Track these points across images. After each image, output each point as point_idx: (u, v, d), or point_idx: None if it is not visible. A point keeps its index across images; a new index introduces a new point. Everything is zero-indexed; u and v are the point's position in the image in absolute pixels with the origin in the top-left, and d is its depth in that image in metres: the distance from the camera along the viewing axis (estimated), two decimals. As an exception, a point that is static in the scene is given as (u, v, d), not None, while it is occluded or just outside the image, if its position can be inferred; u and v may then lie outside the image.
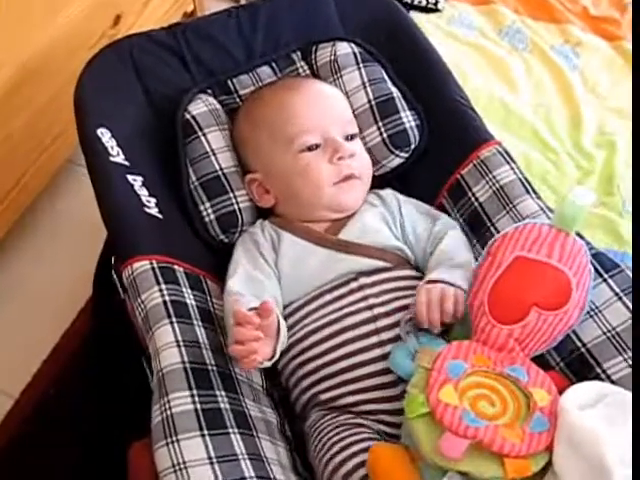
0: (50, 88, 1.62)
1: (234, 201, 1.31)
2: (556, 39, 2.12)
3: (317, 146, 1.26)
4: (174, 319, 1.11)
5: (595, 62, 2.05)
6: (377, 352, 1.14)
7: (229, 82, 1.41)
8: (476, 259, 1.20)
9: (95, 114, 1.30)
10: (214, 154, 1.32)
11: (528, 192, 1.26)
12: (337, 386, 1.16)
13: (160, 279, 1.15)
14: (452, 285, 1.13)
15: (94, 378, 1.47)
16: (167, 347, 1.08)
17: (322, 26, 1.48)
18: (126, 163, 1.26)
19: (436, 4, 2.17)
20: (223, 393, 1.07)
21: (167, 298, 1.13)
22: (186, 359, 1.07)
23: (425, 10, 2.16)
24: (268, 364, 1.14)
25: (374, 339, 1.16)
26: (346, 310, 1.19)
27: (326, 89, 1.36)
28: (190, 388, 1.03)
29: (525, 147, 1.79)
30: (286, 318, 1.21)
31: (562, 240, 1.09)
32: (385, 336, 1.15)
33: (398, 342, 1.13)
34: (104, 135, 1.27)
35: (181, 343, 1.08)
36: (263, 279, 1.21)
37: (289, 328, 1.20)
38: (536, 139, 1.86)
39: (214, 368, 1.09)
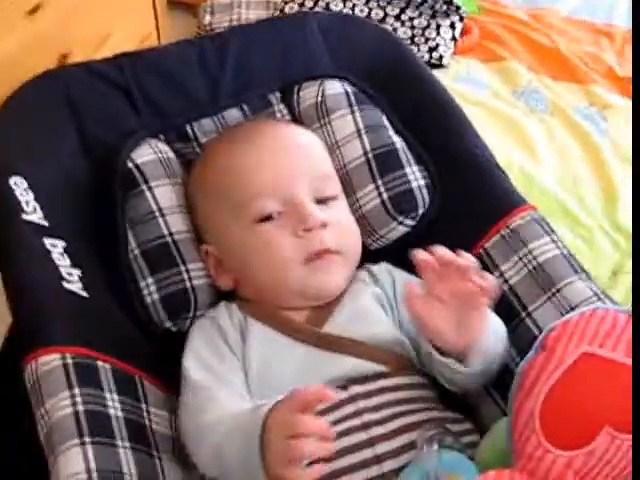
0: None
1: (186, 276, 1.09)
2: (580, 101, 1.97)
3: (279, 213, 1.05)
4: (87, 438, 0.89)
5: (625, 126, 1.88)
6: None
7: (187, 127, 1.21)
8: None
9: (9, 158, 1.11)
10: (162, 214, 1.11)
11: (576, 272, 1.06)
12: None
13: (73, 380, 0.93)
14: None
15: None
16: None
17: (307, 62, 1.28)
18: (44, 223, 1.06)
19: (440, 59, 2.00)
20: None
21: (80, 407, 0.91)
22: None
23: (428, 66, 1.94)
24: None
25: (374, 470, 0.92)
26: (334, 429, 0.93)
27: (291, 134, 1.14)
28: None
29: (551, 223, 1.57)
30: None
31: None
32: (388, 466, 0.92)
33: (411, 462, 0.91)
34: (18, 186, 1.07)
35: (94, 475, 0.86)
36: (233, 380, 1.00)
37: None
38: (563, 214, 1.69)
39: None
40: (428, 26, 2.00)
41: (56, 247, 1.03)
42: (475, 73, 2.00)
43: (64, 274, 1.02)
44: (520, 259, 1.07)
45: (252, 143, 1.09)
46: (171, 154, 1.17)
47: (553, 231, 1.10)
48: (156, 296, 1.08)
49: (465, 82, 1.95)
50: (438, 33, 2.00)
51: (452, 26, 2.01)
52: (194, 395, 0.97)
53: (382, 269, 1.12)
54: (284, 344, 1.02)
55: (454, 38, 1.99)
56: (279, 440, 0.82)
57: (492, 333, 0.96)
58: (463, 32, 2.02)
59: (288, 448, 0.81)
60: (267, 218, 1.05)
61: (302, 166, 1.08)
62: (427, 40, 1.97)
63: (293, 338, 1.03)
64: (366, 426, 0.94)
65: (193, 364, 1.00)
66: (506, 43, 2.05)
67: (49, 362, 0.92)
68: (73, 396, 0.90)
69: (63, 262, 1.03)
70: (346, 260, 1.08)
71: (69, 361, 0.93)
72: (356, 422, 0.94)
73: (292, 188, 1.05)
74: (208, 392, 0.96)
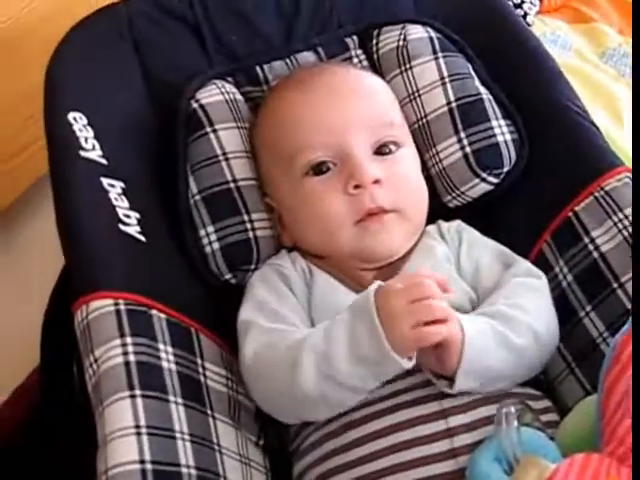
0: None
1: (249, 226, 1.03)
2: (673, 66, 1.82)
3: (328, 167, 0.98)
4: (138, 391, 0.83)
5: None
6: (448, 466, 0.85)
7: (258, 69, 1.15)
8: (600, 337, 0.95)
9: (70, 93, 1.06)
10: (227, 159, 1.05)
11: (677, 240, 0.96)
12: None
13: (126, 328, 0.87)
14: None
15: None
16: (120, 435, 0.80)
17: (388, 5, 1.20)
18: (103, 162, 1.01)
19: (525, 17, 1.89)
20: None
21: (132, 358, 0.85)
22: (148, 457, 0.79)
23: (512, 24, 1.89)
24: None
25: (445, 444, 0.85)
26: (403, 398, 0.87)
27: (351, 78, 1.06)
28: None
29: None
30: None
31: None
32: (461, 441, 0.85)
33: (487, 438, 0.84)
34: (77, 122, 1.02)
35: (143, 430, 0.80)
36: (299, 325, 0.93)
37: (320, 426, 0.91)
38: (652, 183, 1.55)
39: (193, 473, 0.82)
40: (513, -18, 1.90)
41: (114, 187, 0.98)
42: (561, 34, 1.90)
43: (121, 216, 0.97)
44: (615, 224, 0.99)
45: (307, 89, 1.02)
46: (239, 96, 1.11)
47: (652, 195, 1.00)
48: (216, 245, 1.02)
49: (550, 43, 1.85)
50: (524, -10, 1.90)
51: (538, -16, 1.90)
52: (263, 336, 0.90)
53: (453, 227, 1.04)
54: (351, 299, 0.94)
55: (540, -4, 1.89)
56: (402, 305, 0.81)
57: (477, 352, 0.85)
58: (549, -10, 1.93)
59: (413, 309, 0.80)
60: (319, 171, 0.98)
61: (360, 114, 1.00)
62: (512, -4, 1.87)
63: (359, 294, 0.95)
64: (439, 396, 0.87)
65: (253, 313, 0.94)
66: (595, 4, 1.95)
67: (101, 307, 0.88)
68: (125, 345, 0.85)
69: (121, 203, 0.98)
70: (405, 218, 1.00)
71: (122, 307, 0.88)
72: (428, 391, 0.87)
73: (346, 138, 0.98)
74: (279, 333, 0.90)
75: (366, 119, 1.00)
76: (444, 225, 1.04)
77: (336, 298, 0.94)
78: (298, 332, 0.88)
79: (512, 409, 0.83)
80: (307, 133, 0.98)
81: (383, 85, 1.09)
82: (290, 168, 0.99)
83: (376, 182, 0.96)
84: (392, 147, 1.00)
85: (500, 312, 0.90)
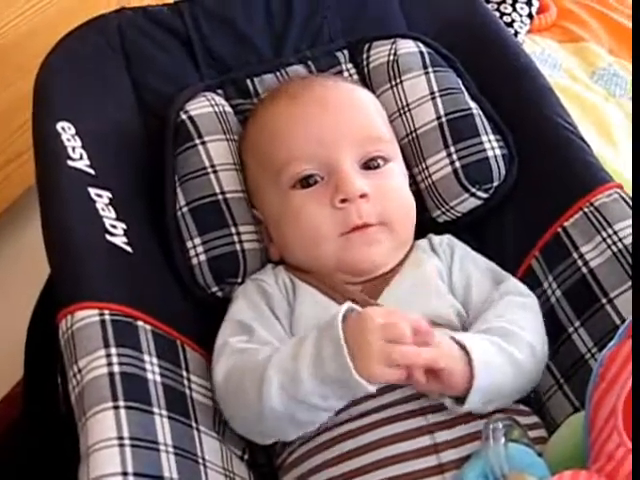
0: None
1: (236, 239, 1.02)
2: (663, 87, 1.83)
3: (316, 181, 0.97)
4: (121, 402, 0.81)
5: None
6: None
7: (248, 81, 1.14)
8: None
9: (58, 103, 1.05)
10: (215, 171, 1.04)
11: (666, 257, 0.96)
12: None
13: (110, 338, 0.86)
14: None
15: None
16: (103, 446, 0.78)
17: (379, 20, 1.20)
18: (90, 171, 1.00)
19: (515, 36, 1.89)
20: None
21: (116, 369, 0.84)
22: (130, 470, 0.76)
23: (502, 42, 1.89)
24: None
25: (432, 460, 0.84)
26: (389, 413, 0.86)
27: (340, 92, 1.04)
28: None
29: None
30: None
31: None
32: (448, 457, 0.84)
33: (474, 453, 0.84)
34: (65, 132, 1.01)
35: (127, 442, 0.79)
36: (275, 343, 0.91)
37: (306, 441, 0.89)
38: (642, 203, 1.55)
39: None
40: (504, 1, 1.90)
41: (101, 198, 0.97)
42: (551, 53, 1.90)
43: (108, 226, 0.95)
44: (604, 240, 0.98)
45: (296, 102, 1.01)
46: (228, 109, 1.10)
47: (641, 212, 0.99)
48: (203, 258, 1.01)
49: (541, 62, 1.83)
50: (514, 9, 1.90)
51: (529, 3, 1.90)
52: (235, 355, 0.89)
53: (444, 241, 1.03)
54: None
55: (530, 15, 1.89)
56: (378, 341, 0.79)
57: (485, 375, 0.84)
58: (540, 10, 1.93)
59: (388, 350, 0.79)
60: (306, 184, 0.97)
61: (349, 127, 0.99)
62: (502, 15, 1.87)
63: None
64: (426, 410, 0.86)
65: (229, 332, 0.93)
66: (585, 23, 1.96)
67: (86, 318, 0.86)
68: (109, 355, 0.83)
69: (108, 214, 0.96)
70: (391, 232, 0.98)
71: (107, 317, 0.86)
72: (414, 406, 0.86)
73: (334, 151, 0.97)
74: (251, 351, 0.88)
75: (355, 133, 0.99)
76: (435, 239, 1.03)
77: (322, 313, 0.91)
78: (268, 350, 0.87)
79: (500, 425, 0.83)
80: (295, 145, 0.98)
81: (372, 99, 1.08)
82: (277, 180, 0.98)
83: (363, 196, 0.95)
84: (380, 162, 0.99)
85: (501, 329, 0.89)
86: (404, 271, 0.98)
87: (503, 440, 0.81)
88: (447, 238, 1.04)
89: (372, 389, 0.79)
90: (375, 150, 0.99)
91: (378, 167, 0.99)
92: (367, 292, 0.96)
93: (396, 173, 1.02)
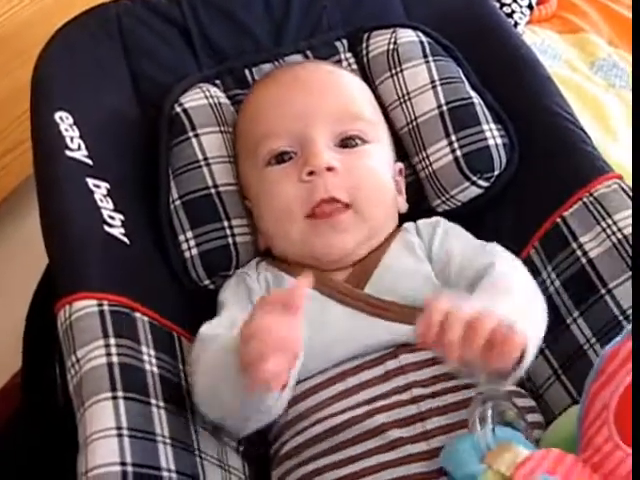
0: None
1: (228, 232, 1.02)
2: (662, 77, 1.82)
3: (291, 157, 0.98)
4: (120, 393, 0.82)
5: None
6: (425, 466, 0.83)
7: (247, 71, 1.14)
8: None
9: (57, 94, 1.06)
10: (208, 164, 1.04)
11: (665, 246, 0.96)
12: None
13: (109, 329, 0.86)
14: None
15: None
16: (102, 436, 0.79)
17: (379, 10, 1.19)
18: (88, 162, 1.00)
19: (515, 27, 1.87)
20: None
21: (115, 359, 0.85)
22: (129, 460, 0.77)
23: (502, 33, 1.88)
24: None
25: (422, 446, 0.84)
26: (380, 403, 0.87)
27: (318, 72, 1.05)
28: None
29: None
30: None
31: None
32: (438, 443, 0.84)
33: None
34: (63, 121, 1.02)
35: (125, 432, 0.79)
36: None
37: (292, 422, 0.89)
38: (640, 195, 1.55)
39: (173, 477, 0.80)
40: (504, -9, 1.91)
41: (99, 188, 0.98)
42: (551, 44, 1.89)
43: (106, 217, 0.96)
44: (603, 230, 0.98)
45: (275, 83, 1.03)
46: (224, 100, 1.09)
47: (640, 202, 0.99)
48: (195, 251, 1.01)
49: (540, 53, 1.77)
50: (514, 0, 1.89)
51: (529, -7, 1.90)
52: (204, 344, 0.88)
53: (429, 222, 1.01)
54: (324, 303, 0.94)
55: (530, 6, 1.89)
56: (242, 345, 0.75)
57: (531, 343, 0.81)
58: (540, 1, 1.92)
59: (245, 351, 0.74)
60: (281, 160, 0.97)
61: (325, 103, 0.99)
62: (502, 6, 1.84)
63: (335, 299, 0.94)
64: (415, 399, 0.86)
65: (210, 325, 0.92)
66: (585, 14, 1.95)
67: (85, 308, 0.87)
68: (108, 345, 0.84)
69: (106, 205, 0.97)
70: (362, 219, 0.97)
71: (106, 308, 0.87)
72: (405, 396, 0.87)
73: (308, 125, 0.97)
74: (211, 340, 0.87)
75: (331, 109, 0.99)
76: (421, 222, 1.02)
77: (306, 304, 0.88)
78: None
79: (488, 412, 0.82)
80: (270, 122, 0.98)
81: (358, 82, 1.08)
82: (255, 158, 0.99)
83: (330, 169, 0.94)
84: (357, 141, 0.99)
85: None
86: (386, 258, 0.97)
87: (491, 426, 0.81)
88: (434, 219, 1.03)
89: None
90: (352, 129, 0.99)
91: (355, 146, 0.99)
92: (352, 282, 0.95)
93: (374, 155, 1.00)
